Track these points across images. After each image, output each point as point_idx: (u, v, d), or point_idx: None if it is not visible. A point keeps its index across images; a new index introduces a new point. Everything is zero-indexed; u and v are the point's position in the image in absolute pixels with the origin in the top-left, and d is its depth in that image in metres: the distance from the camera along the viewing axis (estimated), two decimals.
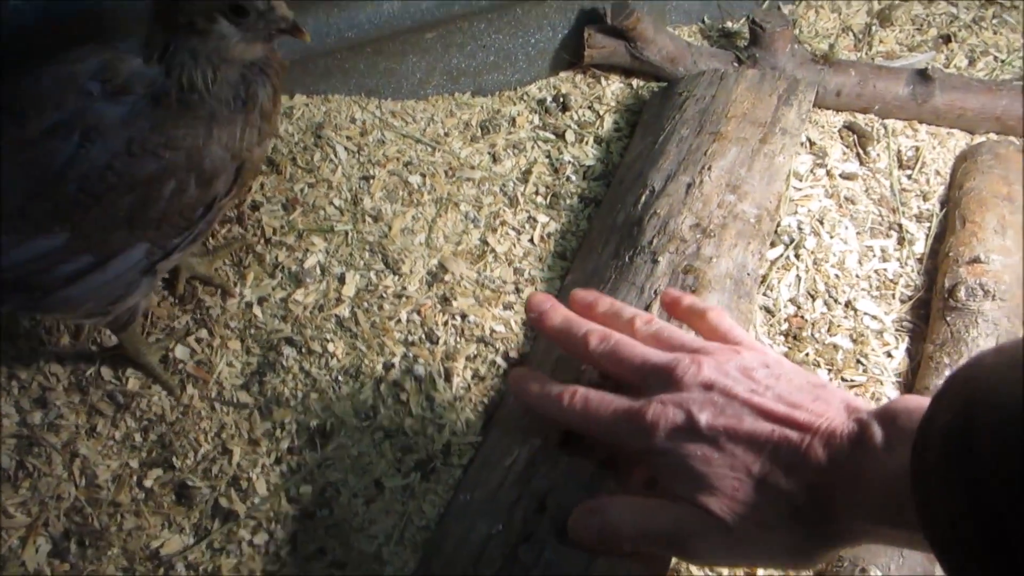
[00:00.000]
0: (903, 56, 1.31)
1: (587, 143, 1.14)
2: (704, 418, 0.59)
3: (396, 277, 0.96)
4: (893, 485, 0.51)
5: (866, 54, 1.31)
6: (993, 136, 1.17)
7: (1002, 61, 1.28)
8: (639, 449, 0.62)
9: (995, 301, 0.87)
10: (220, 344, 0.90)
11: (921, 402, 0.52)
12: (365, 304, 0.94)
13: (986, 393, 0.45)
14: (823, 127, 1.17)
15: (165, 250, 0.77)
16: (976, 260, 0.92)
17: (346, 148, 1.06)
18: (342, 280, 0.96)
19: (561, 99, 1.19)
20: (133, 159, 0.71)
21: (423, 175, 1.06)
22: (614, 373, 0.68)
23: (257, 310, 0.93)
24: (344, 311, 0.93)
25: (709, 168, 0.94)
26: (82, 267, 0.73)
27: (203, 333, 0.91)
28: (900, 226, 1.06)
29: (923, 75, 1.16)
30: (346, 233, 0.99)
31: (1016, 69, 1.27)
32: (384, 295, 0.95)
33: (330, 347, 0.90)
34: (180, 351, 0.89)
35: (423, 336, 0.92)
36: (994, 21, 1.35)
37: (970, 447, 0.44)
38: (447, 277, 0.96)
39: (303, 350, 0.90)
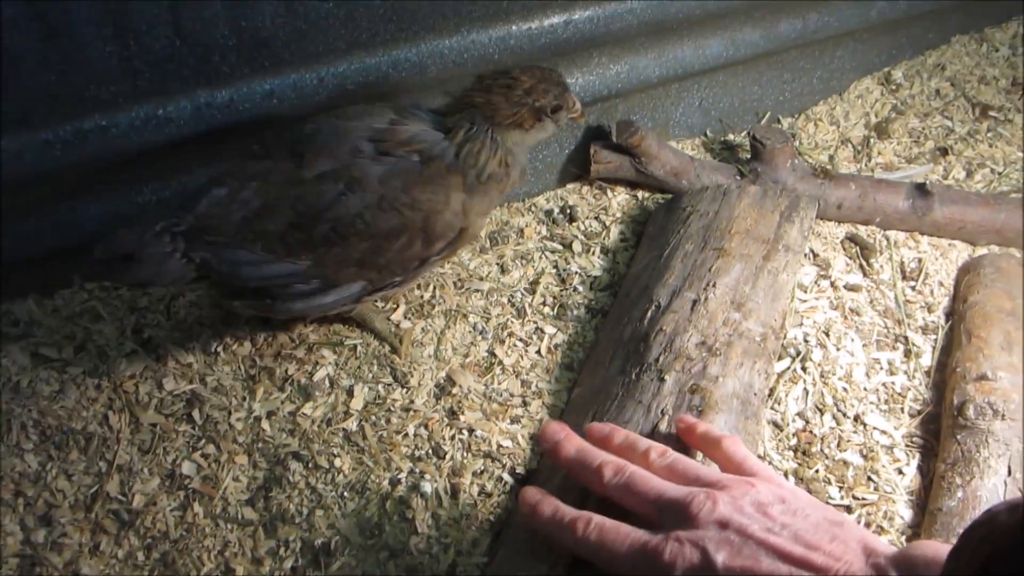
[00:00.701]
0: (901, 168, 1.35)
1: (594, 253, 1.16)
2: (721, 559, 0.59)
3: (404, 390, 0.97)
4: None
5: (865, 165, 1.35)
6: (995, 248, 1.19)
7: (999, 173, 1.31)
8: None
9: (1005, 420, 0.87)
10: (227, 459, 0.90)
11: (939, 551, 0.52)
12: (373, 418, 0.94)
13: (1003, 557, 0.45)
14: (826, 239, 1.19)
15: (376, 288, 0.90)
16: (984, 377, 0.92)
17: None
18: (351, 393, 0.96)
19: (568, 210, 1.22)
20: (380, 212, 0.84)
21: (433, 287, 1.08)
22: (628, 505, 0.68)
23: (266, 424, 0.93)
24: (352, 425, 0.93)
25: (714, 285, 0.96)
26: (311, 290, 0.87)
27: (210, 448, 0.91)
28: (906, 338, 1.07)
29: (922, 189, 1.19)
30: (355, 347, 1.00)
31: (1014, 181, 1.30)
32: (392, 408, 0.95)
33: (337, 462, 0.90)
34: (187, 467, 0.89)
35: (430, 451, 0.91)
36: (989, 134, 1.39)
37: None
38: (455, 390, 0.97)
39: (310, 465, 0.90)
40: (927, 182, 1.21)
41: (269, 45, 0.86)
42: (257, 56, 0.86)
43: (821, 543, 0.59)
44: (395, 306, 1.05)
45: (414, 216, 0.85)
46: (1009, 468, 0.84)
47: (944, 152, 1.37)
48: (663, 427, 0.81)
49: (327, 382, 0.97)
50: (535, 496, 0.73)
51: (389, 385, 0.97)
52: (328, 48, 0.89)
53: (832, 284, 1.13)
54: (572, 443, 0.73)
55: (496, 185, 0.90)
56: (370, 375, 0.98)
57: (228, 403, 0.95)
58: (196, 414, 0.94)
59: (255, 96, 0.88)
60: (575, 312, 1.08)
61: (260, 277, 0.84)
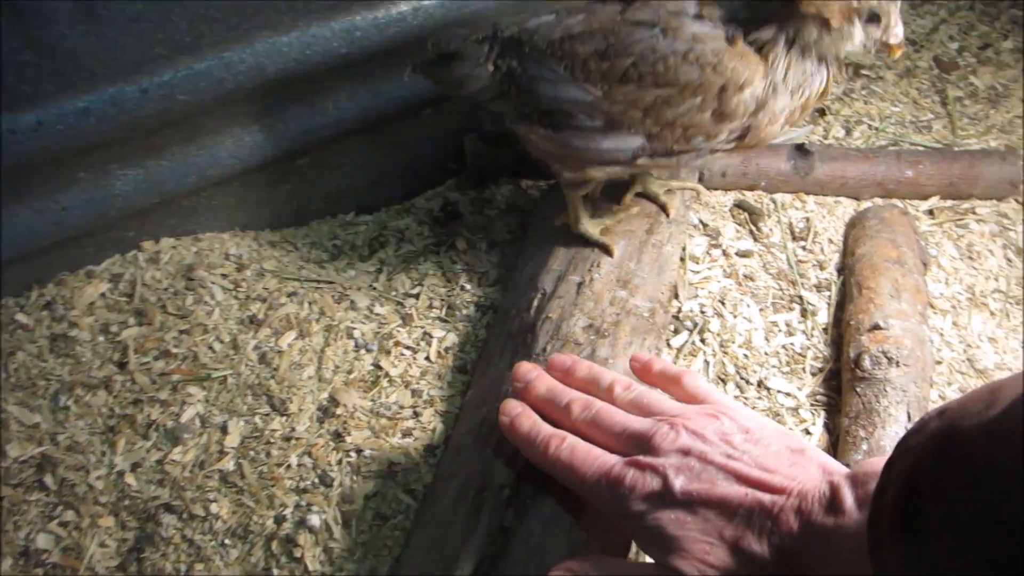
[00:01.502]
0: (783, 132, 1.34)
1: (480, 249, 1.11)
2: (679, 484, 0.60)
3: (284, 418, 0.89)
4: (861, 548, 0.50)
5: None
6: (878, 200, 1.19)
7: (876, 129, 1.32)
8: (615, 512, 0.63)
9: (900, 367, 0.85)
10: (90, 523, 0.81)
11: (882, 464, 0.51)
12: (251, 453, 0.86)
13: (929, 461, 0.44)
14: (714, 208, 1.17)
15: (652, 153, 0.87)
16: (876, 327, 0.91)
17: (222, 287, 1.00)
18: (224, 430, 0.88)
19: (450, 208, 1.16)
20: (683, 63, 0.82)
21: (310, 304, 1.01)
22: (596, 440, 0.68)
23: (131, 478, 0.84)
24: (228, 464, 0.85)
25: (598, 265, 0.91)
26: (592, 127, 0.86)
27: (69, 515, 0.81)
28: (801, 298, 1.05)
29: (802, 149, 1.18)
30: (225, 378, 0.92)
31: (891, 135, 1.31)
32: (272, 440, 0.87)
33: (214, 508, 0.82)
34: (43, 539, 0.80)
35: (316, 480, 0.84)
36: (864, 92, 1.40)
37: (919, 515, 0.44)
38: (339, 410, 0.90)
39: (184, 515, 0.82)
40: (806, 142, 1.21)
41: (75, 57, 0.77)
42: (61, 71, 0.77)
43: (780, 467, 0.60)
44: None
45: (714, 79, 0.83)
46: (908, 414, 0.82)
47: (822, 112, 1.37)
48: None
49: (197, 421, 0.89)
50: (515, 408, 0.73)
51: (267, 415, 0.90)
52: (147, 56, 0.81)
53: (724, 252, 1.11)
54: (543, 383, 0.74)
55: (785, 93, 0.85)
56: (244, 407, 0.90)
57: (86, 461, 0.85)
58: (49, 479, 0.84)
59: (67, 116, 0.80)
60: (464, 311, 1.03)
61: (553, 97, 0.86)
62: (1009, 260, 1.12)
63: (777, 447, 0.62)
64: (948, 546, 0.41)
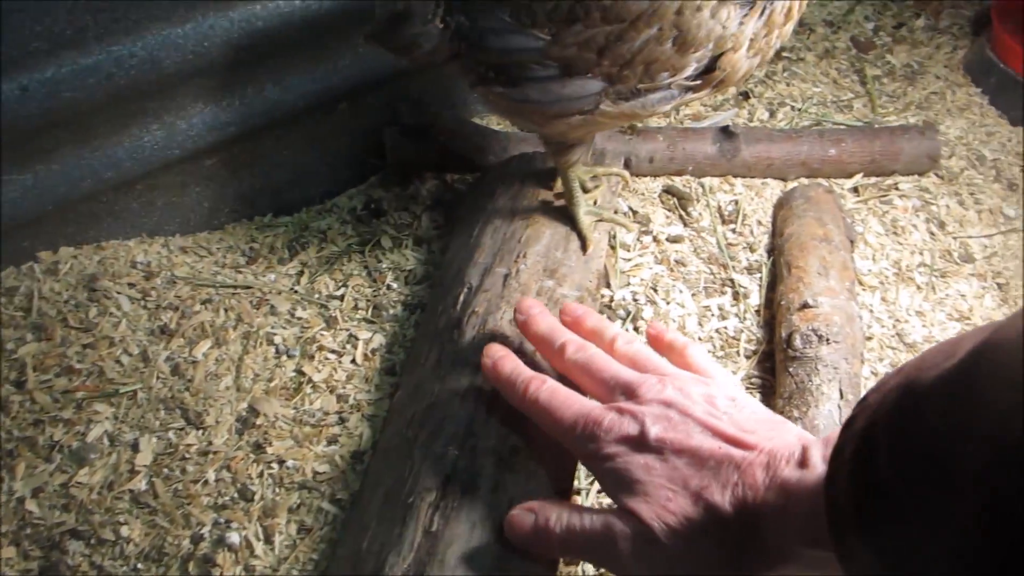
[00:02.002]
0: (709, 116, 1.34)
1: (406, 246, 1.07)
2: (655, 431, 0.60)
3: (200, 432, 0.84)
4: (819, 503, 0.50)
5: (674, 118, 1.33)
6: (804, 180, 1.19)
7: (799, 110, 1.33)
8: (586, 452, 0.63)
9: (830, 344, 0.85)
10: None
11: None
12: (165, 471, 0.81)
13: (885, 418, 0.44)
14: (643, 194, 1.16)
15: (616, 96, 0.81)
16: (806, 306, 0.90)
17: (129, 297, 0.94)
18: (135, 448, 0.83)
19: (373, 205, 1.12)
20: None
21: (226, 310, 0.96)
22: (584, 385, 0.69)
23: (32, 504, 0.78)
24: (140, 484, 0.80)
25: (524, 255, 0.89)
26: (548, 75, 0.80)
27: None
28: (733, 281, 1.05)
29: (727, 132, 1.18)
30: (135, 393, 0.86)
31: (813, 115, 1.32)
32: (187, 455, 0.82)
33: (125, 531, 0.77)
34: None
35: (236, 495, 0.80)
36: (785, 74, 1.41)
37: (874, 470, 0.43)
38: (259, 420, 0.85)
39: (92, 541, 0.76)
40: (731, 124, 1.20)
41: None
42: None
43: (758, 430, 0.60)
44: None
45: (667, 4, 0.75)
46: (841, 392, 0.82)
47: (746, 96, 1.37)
48: (480, 417, 0.73)
49: (105, 440, 0.83)
50: (498, 351, 0.72)
51: (181, 429, 0.84)
52: (24, 51, 0.75)
53: (655, 239, 1.09)
54: (546, 320, 0.74)
55: (754, 12, 0.78)
56: (157, 422, 0.85)
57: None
58: None
59: None
60: (391, 311, 0.99)
61: (502, 48, 0.81)
62: (932, 234, 1.14)
63: (759, 416, 0.63)
64: (902, 500, 0.41)
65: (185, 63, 0.85)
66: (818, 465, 0.54)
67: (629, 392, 0.64)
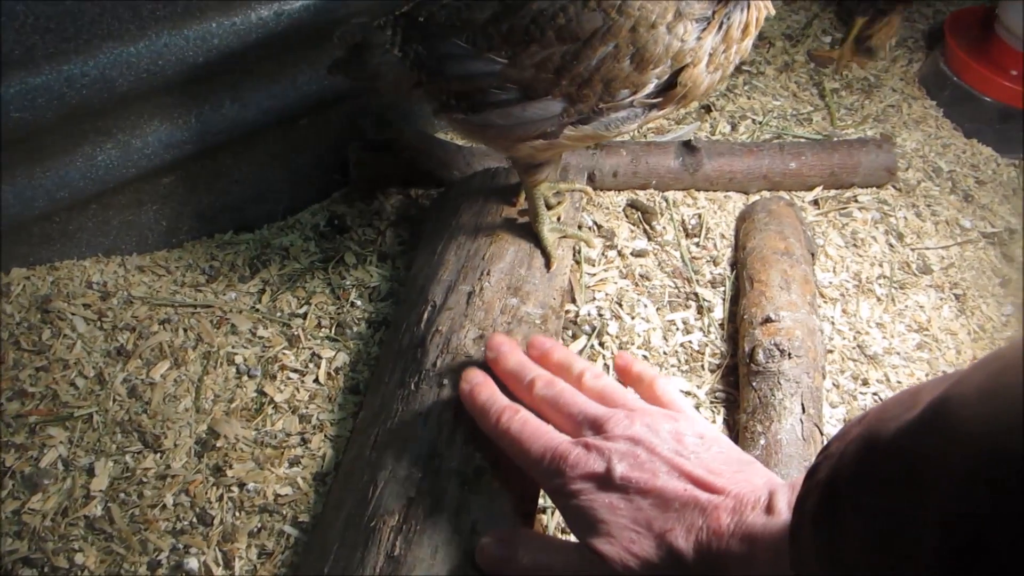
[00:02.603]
0: (672, 130, 1.35)
1: (370, 263, 1.07)
2: (620, 469, 0.59)
3: (157, 455, 0.83)
4: (783, 550, 0.50)
5: (638, 132, 1.34)
6: (765, 193, 1.21)
7: (760, 123, 1.35)
8: (553, 488, 0.62)
9: (792, 359, 0.86)
10: None
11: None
12: (121, 495, 0.79)
13: (846, 468, 0.44)
14: (608, 209, 1.16)
15: (578, 117, 0.80)
16: (768, 320, 0.91)
17: (84, 318, 0.92)
18: (91, 472, 0.81)
19: (337, 221, 1.11)
20: (585, 11, 0.75)
21: (185, 330, 0.94)
22: (553, 420, 0.68)
23: None
24: (95, 509, 0.78)
25: (488, 273, 0.89)
26: (508, 98, 0.80)
27: None
28: (697, 295, 1.05)
29: (689, 146, 1.19)
30: (91, 416, 0.84)
31: (773, 128, 1.33)
32: (145, 479, 0.81)
33: (79, 558, 0.75)
34: None
35: (194, 519, 0.78)
36: (746, 88, 1.43)
37: (836, 519, 0.43)
38: (219, 442, 0.84)
39: (46, 569, 0.74)
40: (693, 138, 1.21)
41: None
42: None
43: (725, 472, 0.59)
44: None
45: (622, 21, 0.75)
46: (803, 406, 0.82)
47: (708, 109, 1.39)
48: (443, 438, 0.72)
49: (59, 465, 0.81)
50: (477, 377, 0.72)
51: (139, 453, 0.83)
52: None
53: (619, 253, 1.10)
54: (515, 356, 0.74)
55: (713, 27, 0.77)
56: (113, 446, 0.83)
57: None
58: None
59: None
60: (355, 329, 0.98)
61: (462, 75, 0.81)
62: (891, 245, 1.15)
63: (727, 455, 0.62)
64: (862, 549, 0.41)
65: (139, 81, 0.84)
66: (783, 512, 0.54)
67: (597, 427, 0.64)
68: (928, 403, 0.40)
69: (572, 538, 0.64)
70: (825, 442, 0.85)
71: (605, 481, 0.60)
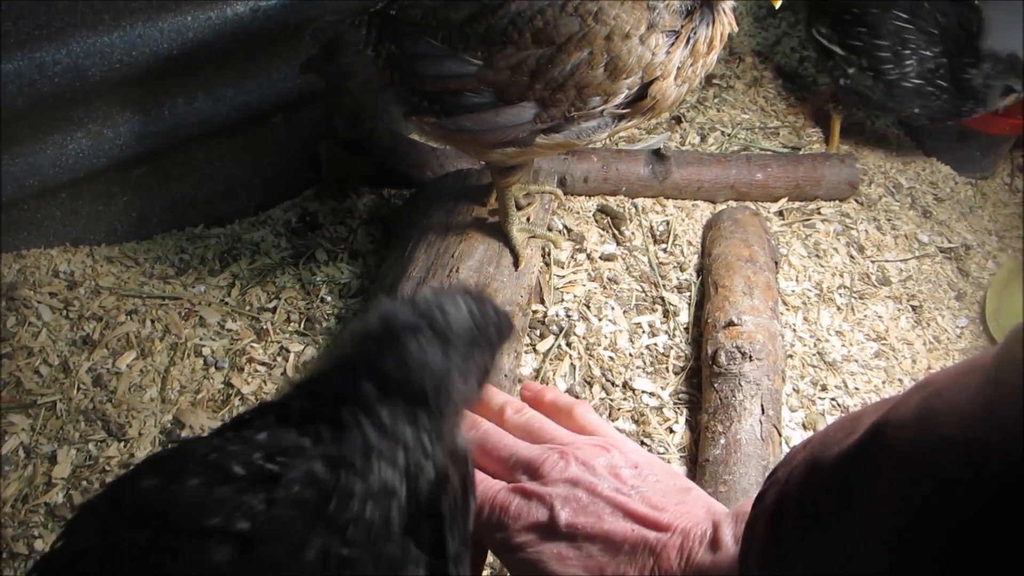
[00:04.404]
0: (643, 139, 1.38)
1: (341, 260, 1.07)
2: (564, 515, 0.57)
3: (121, 444, 0.82)
4: None
5: (610, 140, 1.36)
6: (732, 203, 1.23)
7: (728, 135, 1.38)
8: (495, 543, 0.60)
9: (753, 362, 0.88)
10: None
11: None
12: (84, 483, 0.79)
13: (792, 493, 0.44)
14: (578, 213, 1.18)
15: (551, 122, 0.81)
16: (731, 324, 0.93)
17: (51, 307, 0.92)
18: (53, 460, 0.80)
19: (308, 218, 1.12)
20: (563, 16, 0.77)
21: (153, 322, 0.94)
22: (482, 464, 0.64)
23: None
24: (57, 497, 0.78)
25: (457, 270, 0.90)
26: (483, 102, 0.81)
27: None
28: (663, 299, 1.07)
29: (659, 155, 1.21)
30: (54, 404, 0.84)
31: (742, 140, 1.36)
32: (107, 468, 0.80)
33: (39, 544, 0.74)
34: None
35: None
36: (716, 100, 1.46)
37: (783, 543, 0.44)
38: (184, 432, 0.84)
39: (4, 554, 0.74)
40: (663, 147, 1.24)
41: None
42: None
43: (667, 505, 0.58)
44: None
45: (597, 28, 0.77)
46: (762, 407, 0.84)
47: (678, 120, 1.42)
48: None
49: (20, 452, 0.81)
50: None
51: (102, 441, 0.82)
52: None
53: (588, 256, 1.12)
54: None
55: (681, 40, 0.79)
56: (76, 434, 0.82)
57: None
58: None
59: None
60: (324, 324, 0.99)
61: (435, 75, 0.81)
62: (852, 257, 1.19)
63: (665, 485, 0.61)
64: (810, 572, 0.41)
65: (112, 72, 0.84)
66: (730, 546, 0.54)
67: (531, 471, 0.61)
68: (867, 428, 0.41)
69: None
70: (784, 445, 0.87)
71: (550, 530, 0.57)
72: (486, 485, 0.61)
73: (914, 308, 1.14)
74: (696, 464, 0.87)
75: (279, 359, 0.94)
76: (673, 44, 0.80)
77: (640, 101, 0.82)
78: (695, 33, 0.81)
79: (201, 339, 0.93)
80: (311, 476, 0.40)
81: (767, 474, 0.50)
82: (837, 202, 1.26)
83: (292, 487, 0.39)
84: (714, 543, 0.54)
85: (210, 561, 0.37)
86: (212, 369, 0.91)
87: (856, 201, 1.27)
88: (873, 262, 1.19)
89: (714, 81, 1.50)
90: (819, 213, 1.24)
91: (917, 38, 1.25)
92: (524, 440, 0.64)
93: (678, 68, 0.82)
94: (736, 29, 0.84)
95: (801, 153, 1.31)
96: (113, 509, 0.41)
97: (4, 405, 0.83)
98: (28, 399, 0.84)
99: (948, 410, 0.35)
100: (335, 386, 0.44)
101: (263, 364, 0.93)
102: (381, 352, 0.44)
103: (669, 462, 0.88)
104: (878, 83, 1.28)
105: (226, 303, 0.99)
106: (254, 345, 0.94)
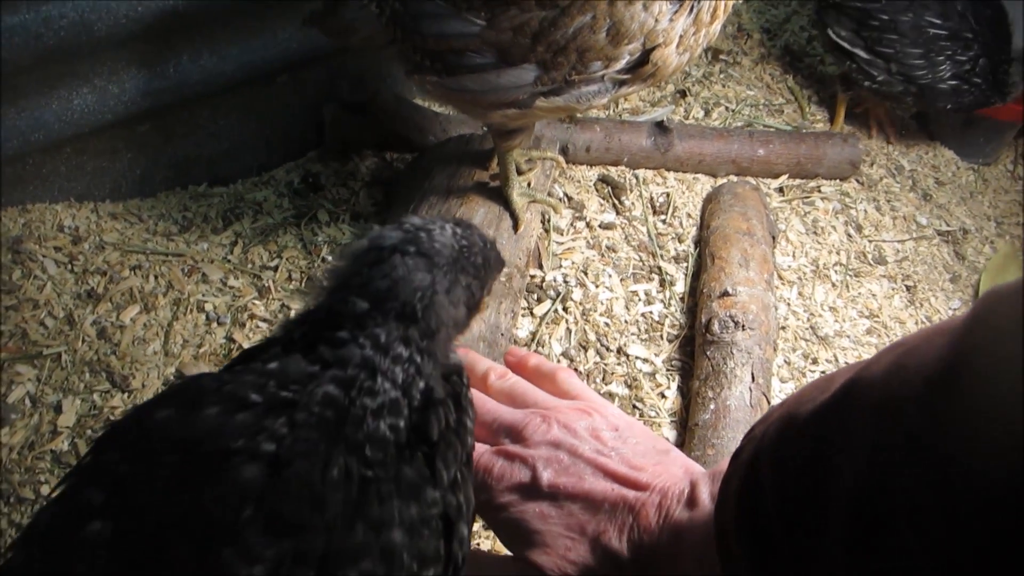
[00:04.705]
0: (647, 111, 1.38)
1: (343, 221, 1.08)
2: (547, 476, 0.59)
3: (125, 395, 0.84)
4: (709, 540, 0.52)
5: (614, 111, 1.37)
6: (733, 177, 1.24)
7: (732, 110, 1.38)
8: (481, 502, 0.60)
9: (745, 331, 0.89)
10: None
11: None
12: (88, 432, 0.81)
13: (768, 450, 0.45)
14: (579, 182, 1.19)
15: (551, 85, 0.81)
16: (725, 294, 0.95)
17: (56, 261, 0.93)
18: (58, 409, 0.82)
19: (311, 179, 1.13)
20: None
21: (156, 277, 0.96)
22: None
23: None
24: (62, 444, 0.80)
25: None
26: (485, 63, 0.81)
27: None
28: (660, 269, 1.09)
29: (662, 127, 1.22)
30: (59, 355, 0.86)
31: (746, 116, 1.37)
32: (111, 417, 0.82)
33: (45, 490, 0.76)
34: None
35: None
36: (721, 76, 1.46)
37: (758, 499, 0.45)
38: None
39: (11, 499, 0.76)
40: (666, 120, 1.24)
41: None
42: None
43: (646, 465, 0.59)
44: None
45: None
46: (752, 375, 0.86)
47: (683, 94, 1.42)
48: None
49: (27, 401, 0.82)
50: None
51: (106, 392, 0.84)
52: None
53: (588, 224, 1.13)
54: None
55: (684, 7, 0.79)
56: (81, 385, 0.84)
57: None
58: None
59: None
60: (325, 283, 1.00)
61: (438, 34, 0.81)
62: (849, 236, 1.20)
63: (644, 446, 0.62)
64: (780, 528, 0.42)
65: (117, 27, 0.84)
66: (706, 503, 0.55)
67: (514, 434, 0.62)
68: (840, 384, 0.42)
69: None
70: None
71: (532, 490, 0.59)
72: (476, 448, 0.62)
73: (908, 288, 1.15)
74: (686, 428, 0.88)
75: (280, 316, 0.95)
76: (677, 11, 0.80)
77: (641, 67, 0.83)
78: (699, 1, 0.81)
79: (203, 295, 0.95)
80: (328, 398, 0.41)
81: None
82: (838, 181, 1.27)
83: (312, 408, 0.41)
84: (691, 501, 0.56)
85: (241, 478, 0.39)
86: (214, 324, 0.92)
87: (857, 181, 1.28)
88: (870, 241, 1.20)
89: (721, 56, 1.50)
90: (819, 191, 1.25)
91: (953, 44, 1.26)
92: (507, 405, 0.65)
93: (680, 36, 0.82)
94: (740, 0, 0.85)
95: (804, 131, 1.32)
96: (140, 429, 0.42)
97: (10, 356, 0.85)
98: (34, 350, 0.86)
99: (916, 368, 0.37)
100: (329, 306, 0.45)
101: (264, 320, 0.94)
102: (369, 270, 0.45)
103: (660, 426, 0.90)
104: (910, 86, 1.29)
105: (228, 260, 1.00)
106: (256, 302, 0.96)
